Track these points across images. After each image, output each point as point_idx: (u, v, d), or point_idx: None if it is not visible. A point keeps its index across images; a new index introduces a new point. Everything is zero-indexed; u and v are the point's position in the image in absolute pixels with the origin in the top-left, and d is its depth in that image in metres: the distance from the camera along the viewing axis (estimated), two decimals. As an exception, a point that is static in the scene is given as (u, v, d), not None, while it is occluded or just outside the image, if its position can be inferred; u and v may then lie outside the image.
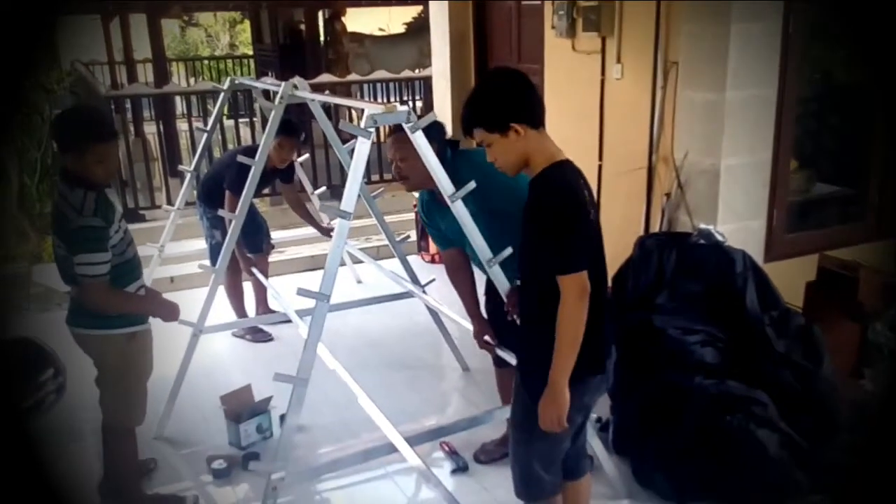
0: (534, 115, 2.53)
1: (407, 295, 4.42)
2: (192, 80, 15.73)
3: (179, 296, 4.60)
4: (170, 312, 3.45)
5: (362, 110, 3.09)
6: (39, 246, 8.25)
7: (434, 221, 3.60)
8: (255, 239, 5.50)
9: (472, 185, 3.09)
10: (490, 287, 3.56)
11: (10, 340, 2.15)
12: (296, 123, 5.37)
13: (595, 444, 3.61)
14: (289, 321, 5.44)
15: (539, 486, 2.83)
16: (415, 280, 4.34)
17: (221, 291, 5.19)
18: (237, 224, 4.35)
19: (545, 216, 2.50)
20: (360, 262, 5.93)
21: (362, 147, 2.99)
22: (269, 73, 10.01)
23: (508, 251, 3.16)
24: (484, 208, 3.35)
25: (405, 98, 9.07)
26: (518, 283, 2.78)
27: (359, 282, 6.64)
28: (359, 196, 4.00)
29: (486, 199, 3.30)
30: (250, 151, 4.98)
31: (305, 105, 4.57)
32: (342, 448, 4.16)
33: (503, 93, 2.55)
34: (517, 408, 2.77)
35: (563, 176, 2.54)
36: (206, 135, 5.59)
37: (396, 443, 3.12)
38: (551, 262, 2.49)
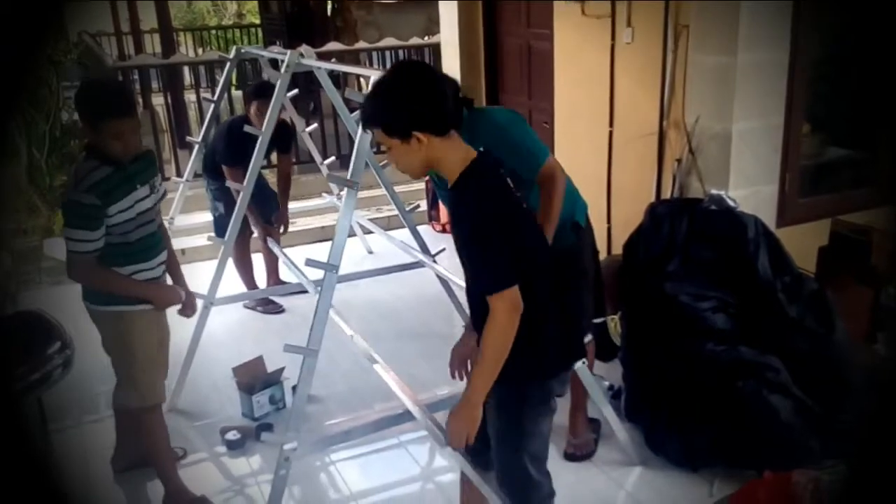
0: (440, 123, 2.31)
1: (417, 265, 4.39)
2: (199, 51, 15.64)
3: (190, 268, 4.62)
4: (162, 299, 3.36)
5: (370, 79, 3.05)
6: (50, 220, 8.25)
7: (445, 184, 3.55)
8: (265, 210, 5.49)
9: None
10: None
11: (16, 314, 2.14)
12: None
13: (607, 412, 3.62)
14: (300, 292, 5.47)
15: (539, 492, 2.68)
16: (425, 250, 4.30)
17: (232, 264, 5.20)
18: (245, 195, 4.34)
19: (468, 230, 2.36)
20: (371, 232, 5.90)
21: None
22: (277, 43, 9.96)
23: None
24: None
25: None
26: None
27: (370, 252, 6.63)
28: (368, 166, 4.02)
29: (498, 155, 3.29)
30: (241, 122, 4.97)
31: (314, 75, 4.53)
32: (355, 418, 4.18)
33: (407, 97, 2.30)
34: (497, 422, 2.57)
35: (482, 178, 2.38)
36: (213, 105, 5.57)
37: (413, 410, 3.11)
38: (478, 280, 2.39)
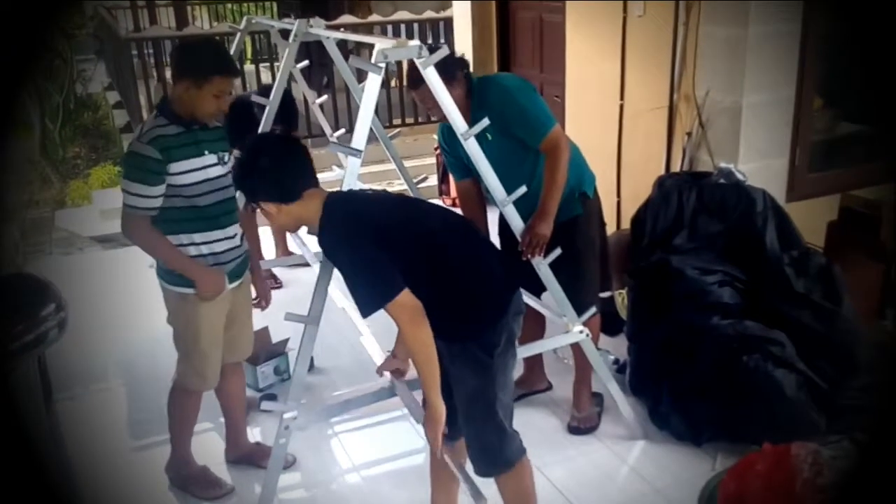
0: (283, 194, 2.53)
1: None
2: (214, 24, 15.59)
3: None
4: (206, 282, 3.17)
5: (374, 47, 3.03)
6: (63, 191, 8.30)
7: (454, 149, 3.53)
8: None
9: (485, 121, 3.03)
10: (503, 225, 3.52)
11: (10, 276, 2.14)
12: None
13: (611, 386, 3.61)
14: (307, 265, 5.48)
15: (513, 445, 2.73)
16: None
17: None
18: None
19: (341, 264, 2.52)
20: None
21: (373, 83, 2.92)
22: (291, 16, 9.89)
23: (523, 190, 3.11)
24: (504, 133, 3.32)
25: (428, 41, 8.94)
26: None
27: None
28: (377, 139, 4.00)
29: (504, 121, 3.30)
30: (248, 100, 4.94)
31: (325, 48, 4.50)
32: (359, 390, 4.17)
33: (249, 174, 2.58)
34: (464, 386, 2.63)
35: (334, 215, 2.54)
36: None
37: (396, 386, 3.12)
38: (369, 301, 2.45)
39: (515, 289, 2.68)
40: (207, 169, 3.14)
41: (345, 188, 2.98)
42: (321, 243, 2.57)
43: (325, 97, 6.12)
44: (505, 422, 2.67)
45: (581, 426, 3.81)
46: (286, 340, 4.30)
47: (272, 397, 4.10)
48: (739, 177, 3.99)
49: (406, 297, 2.40)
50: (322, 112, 6.07)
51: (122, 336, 4.93)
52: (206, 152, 3.14)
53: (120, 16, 12.23)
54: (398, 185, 6.95)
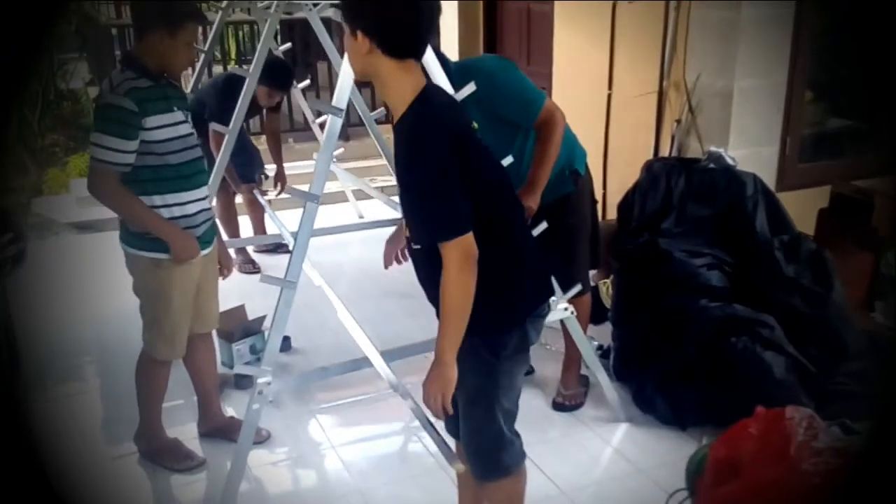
0: (387, 40, 2.05)
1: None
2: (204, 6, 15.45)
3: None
4: (179, 245, 3.04)
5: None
6: (39, 179, 8.15)
7: None
8: (248, 170, 5.36)
9: (471, 86, 2.94)
10: None
11: None
12: (286, 69, 5.22)
13: (596, 368, 3.54)
14: (283, 246, 5.40)
15: (512, 451, 2.45)
16: None
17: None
18: (227, 148, 4.24)
19: (416, 168, 2.09)
20: (365, 198, 5.82)
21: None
22: None
23: (509, 159, 3.02)
24: (490, 116, 3.22)
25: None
26: (414, 246, 2.29)
27: (360, 217, 6.52)
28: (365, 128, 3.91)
29: (492, 105, 3.17)
30: (236, 80, 4.84)
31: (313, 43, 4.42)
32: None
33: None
34: (465, 385, 2.25)
35: (431, 109, 2.12)
36: (202, 55, 5.44)
37: (370, 355, 3.05)
38: (428, 226, 2.12)
39: (546, 299, 2.44)
40: (178, 126, 3.04)
41: (325, 149, 2.87)
42: (402, 129, 2.12)
43: (306, 81, 6.03)
44: (505, 427, 2.39)
45: (566, 402, 3.73)
46: (262, 318, 4.18)
47: (247, 377, 3.97)
48: (729, 161, 3.94)
49: (471, 239, 2.07)
50: (304, 98, 6.00)
51: (97, 314, 4.81)
52: (175, 108, 3.04)
53: (103, 8, 12.12)
54: (381, 182, 6.90)
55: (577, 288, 3.33)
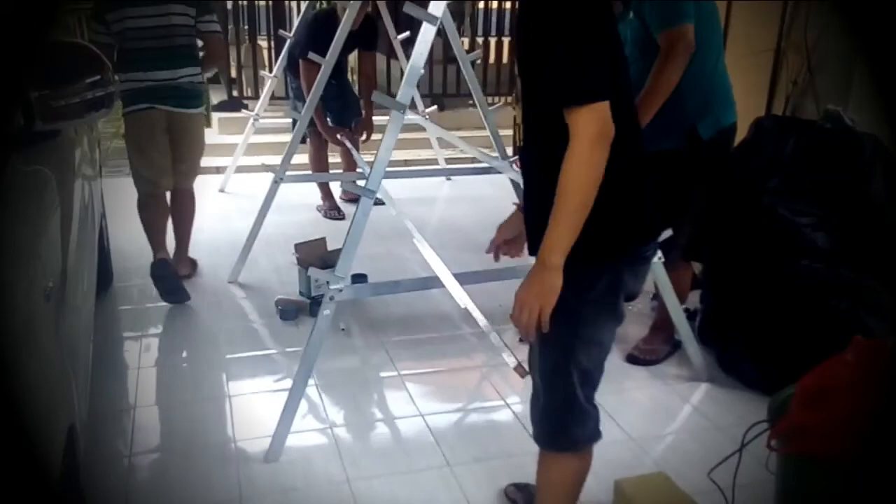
0: None
1: (493, 171, 4.05)
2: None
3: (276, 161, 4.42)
4: None
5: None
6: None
7: None
8: (343, 116, 5.31)
9: None
10: None
11: (61, 42, 2.00)
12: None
13: (681, 324, 3.37)
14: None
15: (583, 422, 2.03)
16: (504, 156, 3.97)
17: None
18: (317, 89, 4.24)
19: (544, 18, 1.73)
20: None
21: (426, 34, 2.70)
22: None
23: None
24: (638, 12, 3.05)
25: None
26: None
27: (448, 178, 6.43)
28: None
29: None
30: (330, 14, 4.79)
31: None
32: (409, 306, 4.06)
33: None
34: (539, 332, 1.84)
35: None
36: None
37: (441, 275, 3.01)
38: (555, 88, 1.72)
39: (655, 237, 2.06)
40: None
41: (387, 138, 2.73)
42: None
43: (406, 33, 5.91)
44: (580, 391, 1.98)
45: (640, 356, 3.55)
46: (340, 251, 4.10)
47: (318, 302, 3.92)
48: (848, 121, 3.67)
49: (608, 111, 1.70)
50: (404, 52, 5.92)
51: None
52: None
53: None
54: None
55: (669, 233, 3.10)
